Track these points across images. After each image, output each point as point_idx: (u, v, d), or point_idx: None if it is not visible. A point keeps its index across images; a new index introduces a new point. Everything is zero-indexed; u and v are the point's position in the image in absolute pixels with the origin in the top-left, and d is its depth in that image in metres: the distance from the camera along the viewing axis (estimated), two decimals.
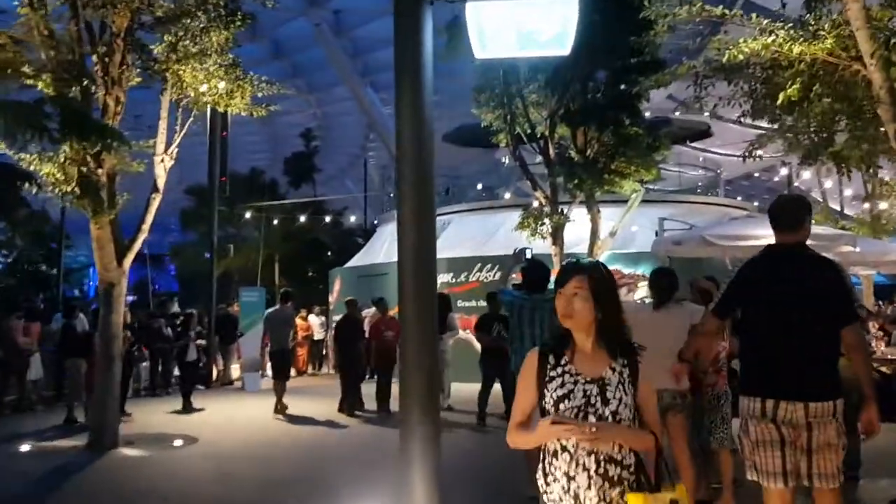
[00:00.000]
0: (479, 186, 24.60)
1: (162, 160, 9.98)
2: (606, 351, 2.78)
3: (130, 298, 32.95)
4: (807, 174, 14.17)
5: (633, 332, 5.68)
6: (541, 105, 14.99)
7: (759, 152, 9.38)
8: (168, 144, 10.00)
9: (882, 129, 7.04)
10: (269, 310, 14.01)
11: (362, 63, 35.06)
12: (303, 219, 26.77)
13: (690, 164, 24.89)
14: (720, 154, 27.08)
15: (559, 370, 2.75)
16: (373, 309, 13.56)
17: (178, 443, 9.84)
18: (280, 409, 12.22)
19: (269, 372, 17.25)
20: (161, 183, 10.02)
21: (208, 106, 12.23)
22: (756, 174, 34.39)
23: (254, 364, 16.69)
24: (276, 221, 25.44)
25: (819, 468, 3.73)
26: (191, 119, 10.12)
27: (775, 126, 8.85)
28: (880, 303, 21.66)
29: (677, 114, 25.56)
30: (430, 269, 4.36)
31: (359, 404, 12.19)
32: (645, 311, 5.63)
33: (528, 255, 6.99)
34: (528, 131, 14.94)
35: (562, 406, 2.67)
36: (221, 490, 7.59)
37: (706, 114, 26.43)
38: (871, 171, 9.06)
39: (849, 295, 4.03)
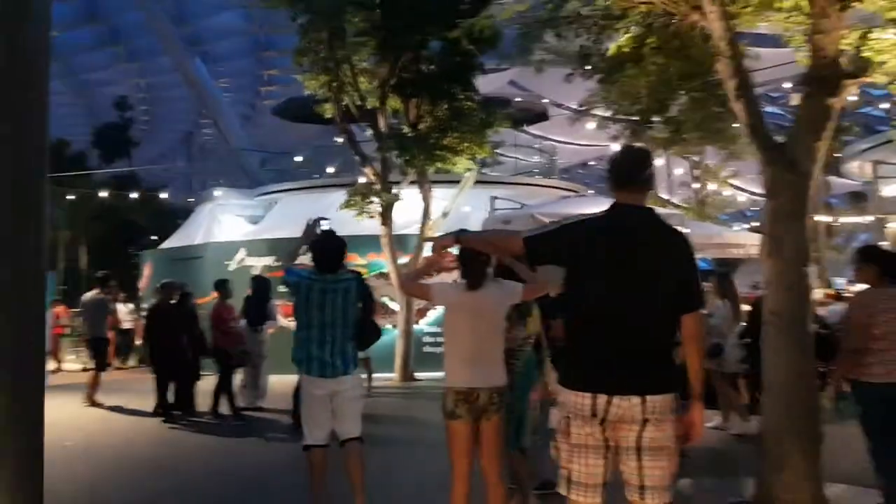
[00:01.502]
0: (299, 159, 22.97)
1: None
2: None
3: None
4: None
5: (449, 317, 4.73)
6: (371, 73, 13.92)
7: (592, 123, 8.72)
8: None
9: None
10: (85, 295, 12.19)
11: (190, 30, 32.41)
12: (104, 194, 24.01)
13: (527, 148, 24.65)
14: (557, 141, 27.16)
15: None
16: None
17: None
18: (91, 400, 11.32)
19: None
20: None
21: None
22: (591, 162, 35.08)
23: None
24: (70, 197, 22.57)
25: (651, 477, 3.05)
26: None
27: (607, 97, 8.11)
28: None
29: (518, 100, 25.37)
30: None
31: (186, 405, 10.46)
32: (459, 291, 4.56)
33: (324, 227, 5.77)
34: (358, 102, 13.82)
35: None
36: None
37: (546, 100, 26.43)
38: (705, 139, 8.57)
39: (698, 277, 3.29)
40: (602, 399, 3.01)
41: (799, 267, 5.24)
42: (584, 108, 8.59)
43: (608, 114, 13.81)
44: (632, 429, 3.03)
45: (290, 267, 5.45)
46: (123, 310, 17.83)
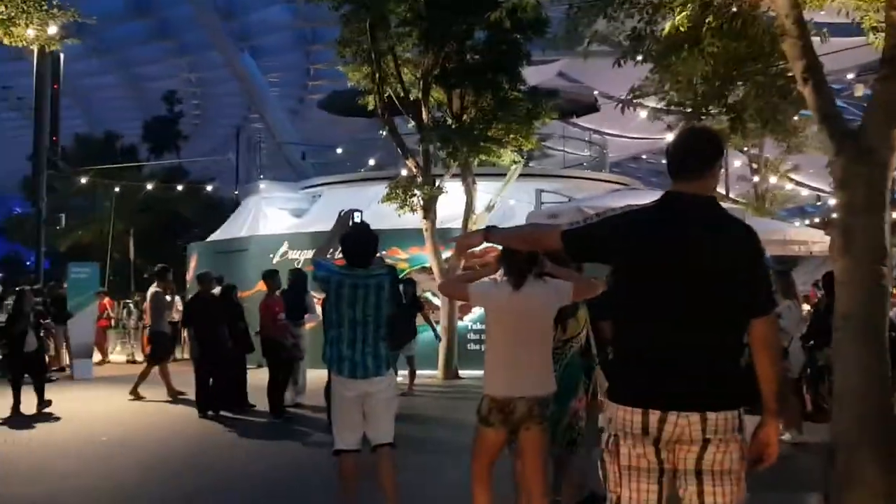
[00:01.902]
0: (339, 151, 22.83)
1: None
2: None
3: None
4: None
5: (490, 320, 4.39)
6: (414, 64, 13.63)
7: (643, 114, 8.27)
8: None
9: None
10: (150, 289, 12.22)
11: (238, 25, 32.50)
12: (150, 186, 24.22)
13: (576, 140, 24.06)
14: (607, 134, 26.51)
15: None
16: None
17: None
18: (174, 391, 11.40)
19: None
20: None
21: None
22: (643, 156, 34.24)
23: (85, 349, 14.68)
24: (116, 189, 22.79)
25: None
26: None
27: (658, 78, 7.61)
28: None
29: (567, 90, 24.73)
30: None
31: (230, 401, 10.14)
32: (501, 291, 4.22)
33: (357, 219, 5.47)
34: (401, 94, 13.54)
35: None
36: None
37: (596, 92, 25.79)
38: (768, 127, 8.00)
39: (767, 274, 2.83)
40: (655, 416, 2.62)
41: (874, 265, 4.75)
42: (636, 96, 8.09)
43: (660, 104, 13.26)
44: (691, 450, 2.63)
45: (321, 261, 5.16)
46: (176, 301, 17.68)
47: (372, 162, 21.20)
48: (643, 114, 11.93)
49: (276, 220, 19.23)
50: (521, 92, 13.22)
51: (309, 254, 15.21)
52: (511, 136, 12.94)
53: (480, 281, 4.38)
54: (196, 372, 10.20)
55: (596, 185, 17.68)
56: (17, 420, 9.68)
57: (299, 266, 13.37)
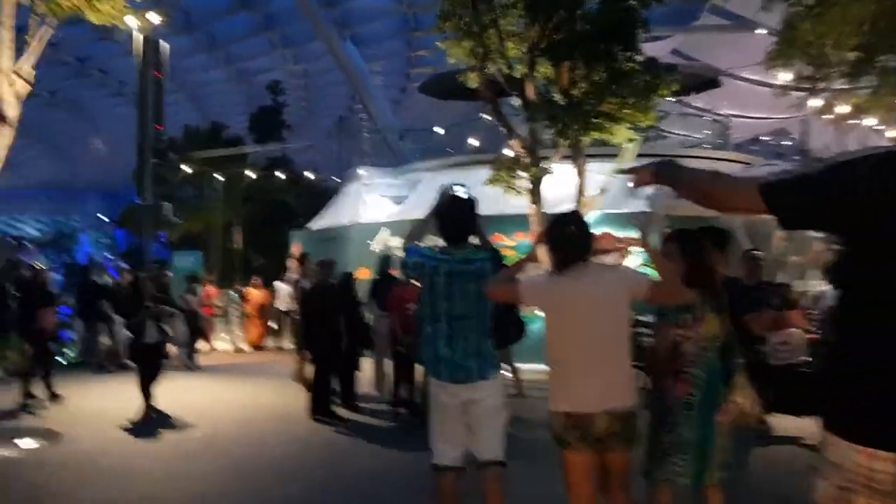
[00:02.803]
0: (440, 131, 22.02)
1: (12, 83, 7.68)
2: None
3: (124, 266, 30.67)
4: (820, 125, 11.78)
5: (549, 320, 2.94)
6: (519, 38, 12.72)
7: (783, 78, 7.10)
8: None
9: None
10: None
11: (340, 12, 32.33)
12: (252, 175, 24.29)
13: (695, 118, 22.52)
14: (729, 115, 24.86)
15: None
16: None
17: (26, 443, 7.70)
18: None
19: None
20: (11, 111, 7.72)
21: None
22: (764, 137, 32.08)
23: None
24: (221, 178, 22.92)
25: None
26: (44, 30, 7.83)
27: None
28: None
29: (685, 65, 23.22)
30: None
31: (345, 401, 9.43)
32: (559, 283, 3.50)
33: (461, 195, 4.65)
34: (505, 71, 12.66)
35: None
36: None
37: (720, 75, 24.18)
38: None
39: None
40: None
41: None
42: (787, 48, 6.95)
43: (790, 77, 11.95)
44: None
45: (412, 245, 4.41)
46: (284, 290, 16.84)
47: (475, 142, 20.38)
48: (787, 74, 10.50)
49: (377, 206, 18.80)
50: (638, 63, 12.08)
51: None
52: (626, 111, 11.84)
53: (532, 276, 3.66)
54: (315, 365, 9.26)
55: (721, 166, 16.26)
56: (115, 416, 9.30)
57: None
